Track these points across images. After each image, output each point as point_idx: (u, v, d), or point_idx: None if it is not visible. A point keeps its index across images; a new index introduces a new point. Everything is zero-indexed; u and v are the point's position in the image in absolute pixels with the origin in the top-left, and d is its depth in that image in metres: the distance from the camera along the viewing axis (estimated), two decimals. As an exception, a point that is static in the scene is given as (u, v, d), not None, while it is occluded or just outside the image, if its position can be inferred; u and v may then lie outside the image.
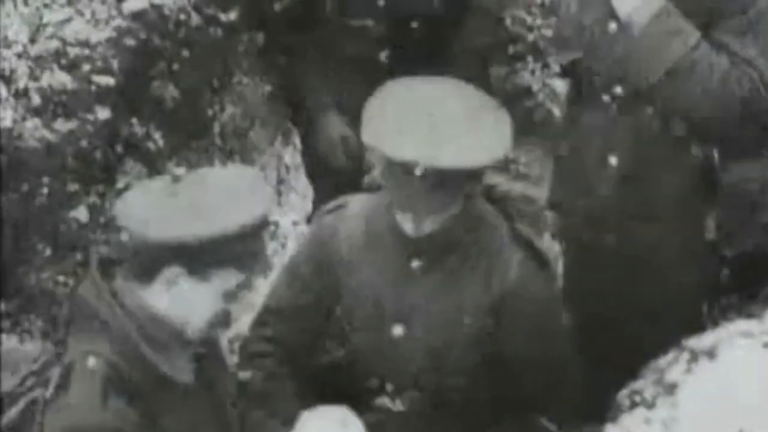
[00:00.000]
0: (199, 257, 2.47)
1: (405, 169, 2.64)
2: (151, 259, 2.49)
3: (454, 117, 2.68)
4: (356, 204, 2.95)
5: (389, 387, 2.87)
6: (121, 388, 2.44)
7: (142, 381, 2.46)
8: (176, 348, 2.52)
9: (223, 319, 2.57)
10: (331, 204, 2.99)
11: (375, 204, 2.90)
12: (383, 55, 3.85)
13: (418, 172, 2.62)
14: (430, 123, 2.65)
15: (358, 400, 2.84)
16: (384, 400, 2.87)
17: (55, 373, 2.48)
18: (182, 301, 2.51)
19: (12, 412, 2.48)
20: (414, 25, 3.90)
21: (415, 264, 2.82)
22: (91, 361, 2.44)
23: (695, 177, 3.22)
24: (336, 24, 3.88)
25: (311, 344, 2.94)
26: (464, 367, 2.84)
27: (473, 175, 2.74)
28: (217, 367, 2.69)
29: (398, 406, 2.87)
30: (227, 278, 2.51)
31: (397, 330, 2.83)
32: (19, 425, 2.48)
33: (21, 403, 2.48)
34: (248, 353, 2.98)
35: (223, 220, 2.45)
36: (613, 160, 3.27)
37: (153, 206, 2.50)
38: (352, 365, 2.88)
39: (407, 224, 2.76)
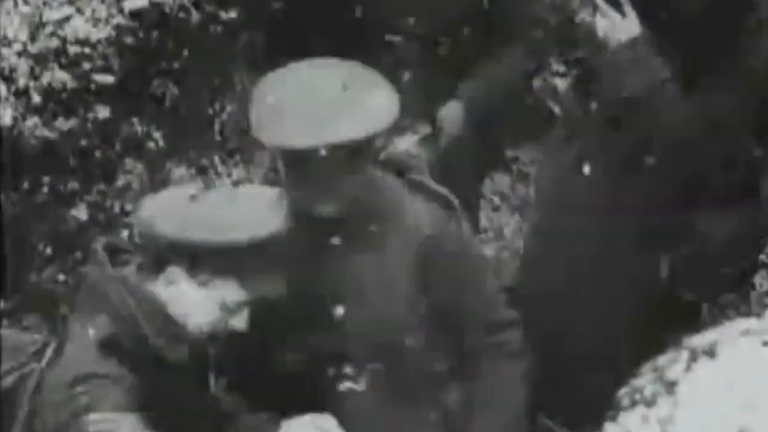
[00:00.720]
0: (198, 261, 2.52)
1: (307, 155, 2.66)
2: (155, 256, 2.55)
3: (339, 93, 2.71)
4: None
5: (348, 370, 2.87)
6: (118, 354, 2.50)
7: (139, 355, 2.51)
8: (174, 333, 2.56)
9: (226, 335, 2.61)
10: None
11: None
12: (407, 74, 3.84)
13: (323, 152, 2.64)
14: (321, 104, 2.68)
15: (321, 393, 2.85)
16: (347, 384, 2.88)
17: (51, 347, 2.57)
18: (180, 301, 2.55)
19: (6, 382, 2.56)
20: (441, 48, 3.90)
21: (335, 241, 2.84)
22: (90, 330, 2.51)
23: (659, 212, 3.22)
24: (362, 34, 3.87)
25: (264, 359, 2.93)
26: (412, 325, 2.86)
27: (371, 143, 2.75)
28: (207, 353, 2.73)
29: (362, 385, 2.88)
30: (226, 290, 2.55)
31: (338, 311, 2.85)
32: (11, 394, 2.55)
33: (15, 375, 2.56)
34: None
35: (225, 232, 2.50)
36: (586, 169, 3.29)
37: (167, 206, 2.56)
38: (305, 362, 2.88)
39: (321, 206, 2.77)
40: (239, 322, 2.58)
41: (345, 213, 2.78)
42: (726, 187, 3.19)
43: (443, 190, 2.91)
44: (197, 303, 2.55)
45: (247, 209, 2.56)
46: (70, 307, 2.65)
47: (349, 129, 2.66)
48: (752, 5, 3.12)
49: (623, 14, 3.10)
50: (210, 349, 2.66)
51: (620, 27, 3.09)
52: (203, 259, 2.51)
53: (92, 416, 2.42)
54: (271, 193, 2.67)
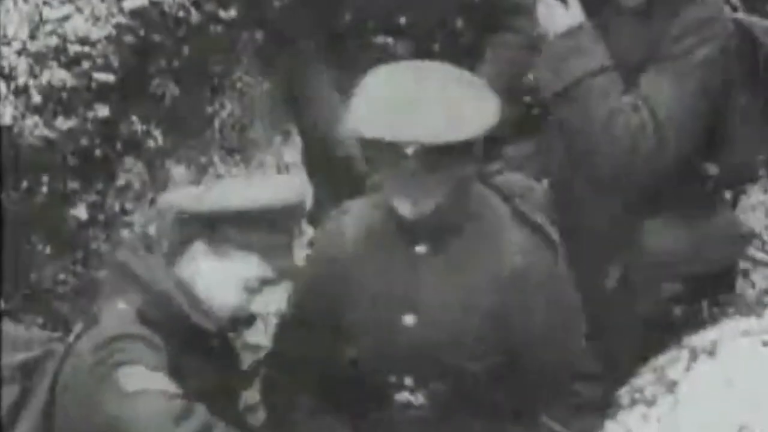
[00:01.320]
0: (217, 232, 2.59)
1: (395, 150, 2.64)
2: (178, 235, 2.62)
3: (437, 95, 2.68)
4: (357, 206, 2.97)
5: (408, 381, 2.85)
6: (151, 324, 2.55)
7: (172, 329, 2.57)
8: (203, 309, 2.63)
9: (247, 320, 2.67)
10: (335, 211, 3.00)
11: (374, 200, 2.91)
12: None
13: (409, 152, 2.63)
14: (414, 102, 2.65)
15: (377, 399, 2.85)
16: (404, 395, 2.86)
17: (78, 325, 2.60)
18: (202, 280, 2.62)
19: (28, 355, 2.59)
20: (435, 47, 3.89)
21: (419, 249, 2.82)
22: (121, 304, 2.57)
23: (612, 218, 3.19)
24: (355, 37, 3.85)
25: (324, 354, 2.93)
26: (482, 350, 2.82)
27: (464, 152, 2.71)
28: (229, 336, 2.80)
29: (419, 399, 2.86)
30: (248, 264, 2.61)
31: (409, 319, 2.81)
32: (33, 368, 2.59)
33: (38, 350, 2.60)
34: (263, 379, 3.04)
35: (239, 201, 2.58)
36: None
37: (182, 193, 2.70)
38: (368, 364, 2.87)
39: (404, 207, 2.74)
40: (260, 305, 2.62)
41: (433, 221, 2.74)
42: (676, 200, 3.14)
43: (547, 225, 2.84)
44: (218, 280, 2.61)
45: (260, 184, 2.66)
46: (100, 288, 2.69)
47: (442, 131, 2.62)
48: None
49: (566, 4, 3.05)
50: (233, 332, 2.72)
51: (560, 17, 3.05)
52: (222, 231, 2.58)
53: (126, 369, 2.45)
54: (285, 177, 2.74)
